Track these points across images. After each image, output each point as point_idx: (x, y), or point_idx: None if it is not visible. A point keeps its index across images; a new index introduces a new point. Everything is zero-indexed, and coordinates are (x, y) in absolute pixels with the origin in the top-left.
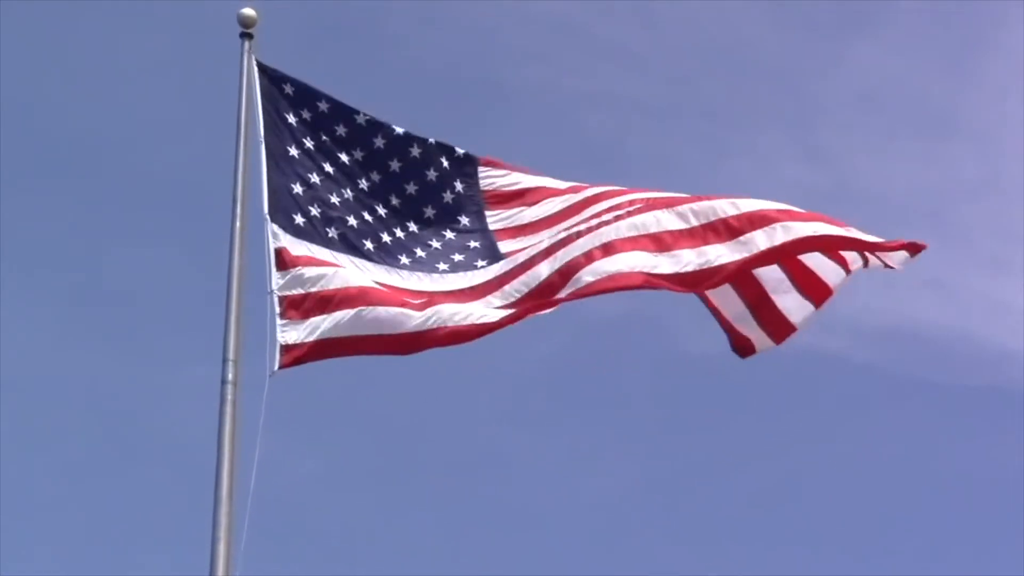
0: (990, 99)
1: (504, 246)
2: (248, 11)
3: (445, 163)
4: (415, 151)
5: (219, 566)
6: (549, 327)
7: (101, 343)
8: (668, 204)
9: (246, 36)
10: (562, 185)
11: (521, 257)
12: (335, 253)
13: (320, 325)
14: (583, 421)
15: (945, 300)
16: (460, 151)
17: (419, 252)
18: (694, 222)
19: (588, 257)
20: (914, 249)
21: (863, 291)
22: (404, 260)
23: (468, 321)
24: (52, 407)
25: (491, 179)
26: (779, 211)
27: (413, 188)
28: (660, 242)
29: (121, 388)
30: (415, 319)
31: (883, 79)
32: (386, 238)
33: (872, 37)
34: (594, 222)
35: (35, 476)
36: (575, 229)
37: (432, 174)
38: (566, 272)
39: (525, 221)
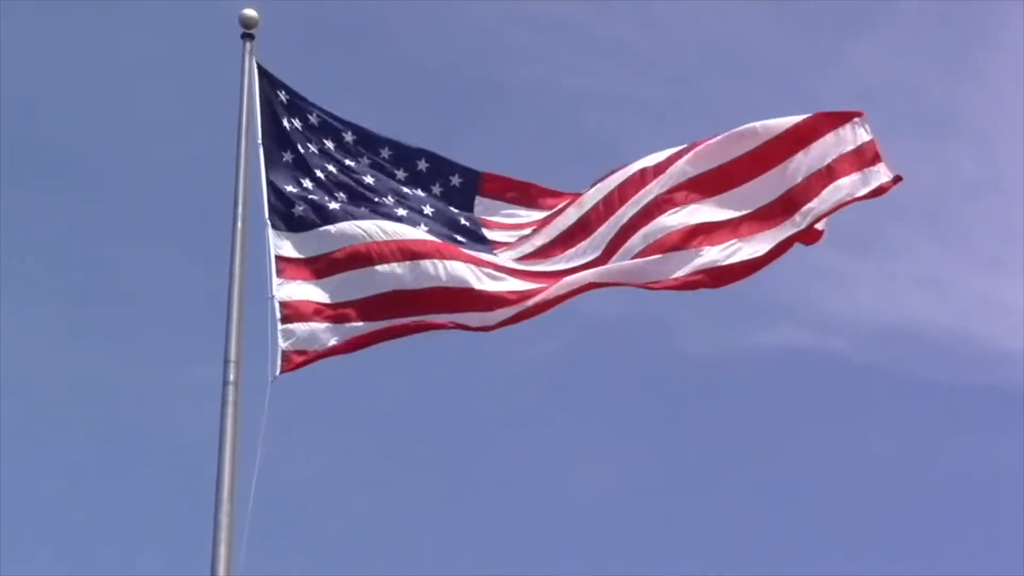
0: (989, 99)
1: (504, 257)
2: (250, 12)
3: (436, 190)
4: (401, 175)
5: (220, 566)
6: (549, 327)
7: (101, 343)
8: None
9: (247, 37)
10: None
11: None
12: (341, 223)
13: (322, 332)
14: (583, 421)
15: (944, 300)
16: (455, 180)
17: (422, 227)
18: (728, 214)
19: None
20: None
21: (863, 291)
22: (426, 214)
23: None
24: (52, 407)
25: (487, 209)
26: (809, 184)
27: (394, 199)
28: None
29: (121, 388)
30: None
31: (882, 79)
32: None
33: (871, 37)
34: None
35: (35, 476)
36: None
37: (419, 192)
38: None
39: (529, 246)
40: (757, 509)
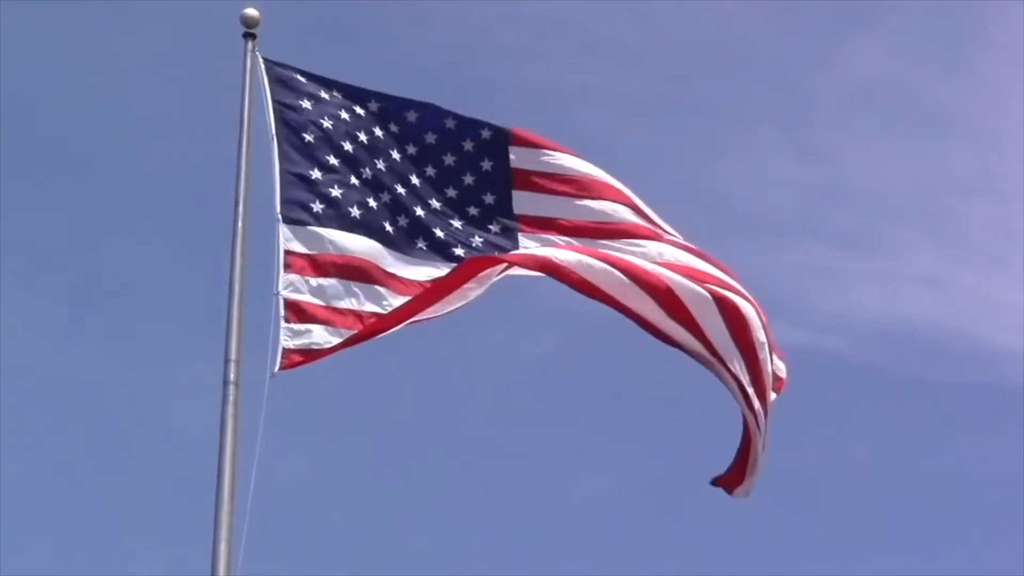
0: (986, 96)
1: (524, 240)
2: (251, 11)
3: (468, 146)
4: (430, 138)
5: (220, 566)
6: (546, 325)
7: (100, 341)
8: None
9: (249, 36)
10: (592, 174)
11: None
12: (356, 236)
13: (323, 335)
14: (580, 420)
15: (942, 298)
16: (486, 133)
17: (438, 233)
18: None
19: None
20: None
21: (860, 290)
22: (421, 244)
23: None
24: (51, 406)
25: (521, 159)
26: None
27: (432, 171)
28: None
29: (121, 387)
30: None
31: (878, 76)
32: (403, 221)
33: (867, 34)
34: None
35: (35, 476)
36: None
37: (450, 158)
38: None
39: (551, 215)
40: (755, 509)
